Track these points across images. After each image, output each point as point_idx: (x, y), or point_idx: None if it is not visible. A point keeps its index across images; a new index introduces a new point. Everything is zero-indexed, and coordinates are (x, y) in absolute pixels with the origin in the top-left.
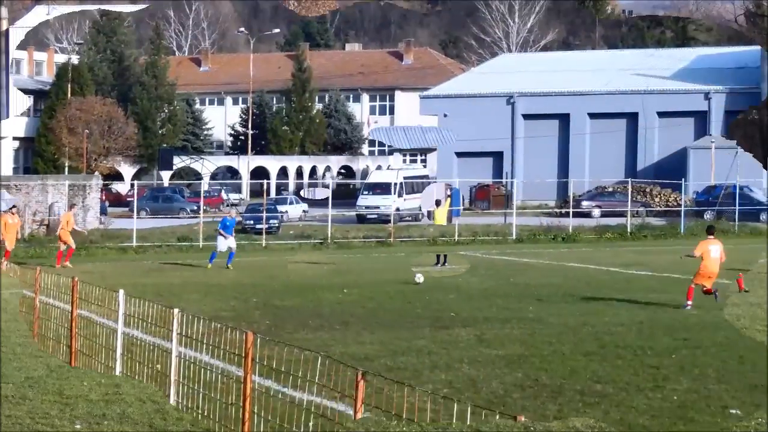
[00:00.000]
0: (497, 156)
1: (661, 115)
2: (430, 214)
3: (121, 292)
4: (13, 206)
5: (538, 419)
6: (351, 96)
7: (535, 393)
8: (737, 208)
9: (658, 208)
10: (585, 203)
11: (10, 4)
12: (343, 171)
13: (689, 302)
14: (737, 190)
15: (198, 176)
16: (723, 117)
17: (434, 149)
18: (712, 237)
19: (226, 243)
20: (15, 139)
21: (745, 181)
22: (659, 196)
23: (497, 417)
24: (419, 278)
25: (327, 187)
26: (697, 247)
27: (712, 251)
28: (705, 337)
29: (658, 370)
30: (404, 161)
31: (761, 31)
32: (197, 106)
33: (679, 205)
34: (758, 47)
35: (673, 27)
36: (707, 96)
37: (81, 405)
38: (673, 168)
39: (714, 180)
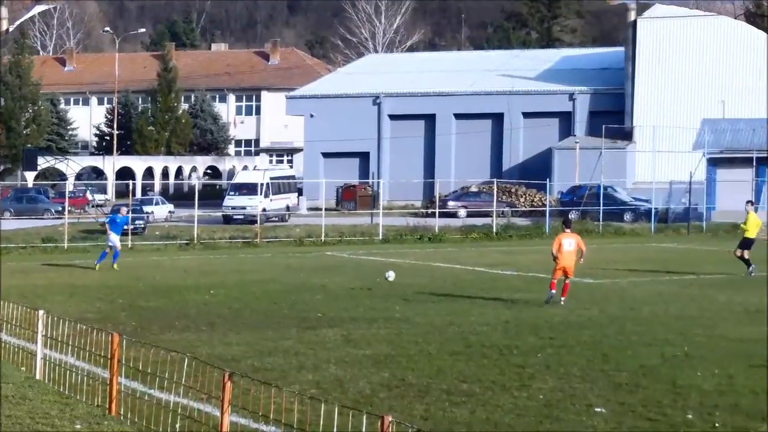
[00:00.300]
0: (363, 156)
1: (527, 115)
2: None
3: None
4: None
5: (405, 419)
6: (217, 96)
7: (402, 393)
8: (601, 208)
9: (524, 208)
10: (451, 203)
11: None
12: (209, 171)
13: (552, 291)
14: (601, 190)
15: (63, 177)
16: (587, 117)
17: (301, 149)
18: (568, 230)
19: (117, 239)
20: None
21: (609, 181)
22: (524, 196)
23: (364, 417)
24: (390, 276)
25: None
26: (553, 243)
27: (565, 244)
28: (570, 336)
29: (524, 369)
30: (270, 162)
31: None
32: (62, 106)
33: (544, 205)
34: (621, 48)
35: (538, 28)
36: (572, 97)
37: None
38: (539, 168)
39: (578, 180)
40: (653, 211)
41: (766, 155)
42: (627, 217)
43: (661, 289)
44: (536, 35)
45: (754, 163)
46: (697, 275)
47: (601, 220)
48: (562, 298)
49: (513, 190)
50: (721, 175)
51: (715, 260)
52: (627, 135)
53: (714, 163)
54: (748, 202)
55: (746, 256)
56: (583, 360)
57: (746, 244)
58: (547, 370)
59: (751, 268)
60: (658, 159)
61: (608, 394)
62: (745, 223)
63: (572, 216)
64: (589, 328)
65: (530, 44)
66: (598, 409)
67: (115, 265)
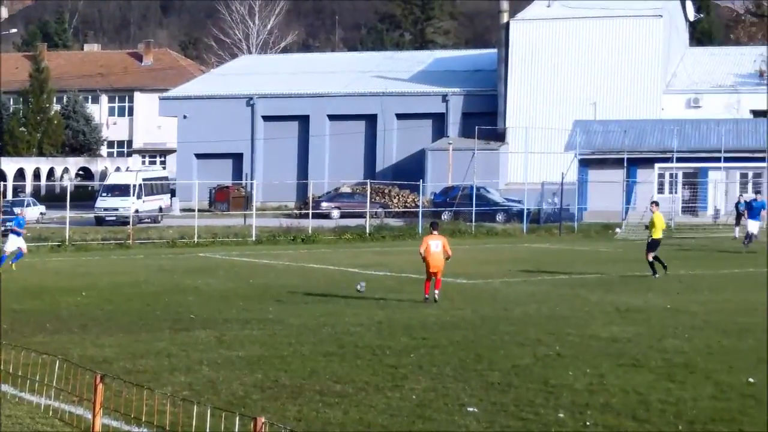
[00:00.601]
0: (237, 157)
1: (400, 117)
2: None
3: None
4: None
5: (278, 420)
6: (90, 97)
7: (275, 394)
8: (474, 208)
9: (397, 209)
10: (324, 204)
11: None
12: (81, 172)
13: (426, 296)
14: (474, 191)
15: None
16: (460, 119)
17: (174, 150)
18: (435, 232)
19: (16, 243)
20: None
21: (481, 182)
22: (398, 197)
23: (237, 418)
24: (362, 287)
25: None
26: (420, 245)
27: (432, 246)
28: (443, 336)
29: (397, 369)
30: (143, 163)
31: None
32: None
33: (417, 206)
34: (494, 50)
35: (412, 30)
36: (445, 98)
37: None
38: (412, 169)
39: (451, 181)
40: (525, 211)
41: (637, 156)
42: (499, 217)
43: (534, 289)
44: (410, 37)
45: (625, 164)
46: (568, 275)
47: (473, 220)
48: (436, 292)
49: (386, 191)
50: (592, 176)
51: (586, 260)
52: (500, 136)
53: (585, 163)
54: (652, 203)
55: (650, 258)
56: (456, 360)
57: (652, 245)
58: (420, 370)
59: (657, 275)
60: (531, 160)
61: (481, 394)
62: (649, 224)
63: (445, 217)
64: (462, 329)
65: (404, 46)
66: (470, 409)
67: (1, 269)
